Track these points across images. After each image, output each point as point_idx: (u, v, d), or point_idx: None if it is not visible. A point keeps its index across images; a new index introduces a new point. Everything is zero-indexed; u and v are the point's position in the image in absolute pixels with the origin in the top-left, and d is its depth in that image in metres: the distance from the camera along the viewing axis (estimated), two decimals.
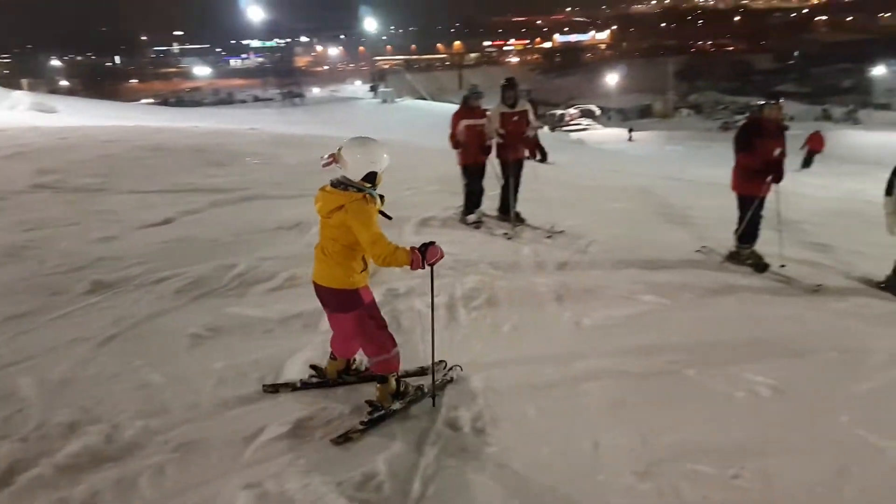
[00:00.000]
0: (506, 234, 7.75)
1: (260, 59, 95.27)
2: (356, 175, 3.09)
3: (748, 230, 6.64)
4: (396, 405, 3.47)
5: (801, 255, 7.07)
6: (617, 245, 7.32)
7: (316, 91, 64.20)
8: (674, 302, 5.48)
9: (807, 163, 21.59)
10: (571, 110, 50.01)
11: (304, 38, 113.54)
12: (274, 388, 3.73)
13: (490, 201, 8.50)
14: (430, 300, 3.83)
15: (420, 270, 3.18)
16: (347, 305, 3.27)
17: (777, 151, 6.41)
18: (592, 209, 9.47)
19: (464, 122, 7.85)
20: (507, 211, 8.17)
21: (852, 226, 8.85)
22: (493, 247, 7.25)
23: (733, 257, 6.77)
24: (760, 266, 6.53)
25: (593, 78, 73.51)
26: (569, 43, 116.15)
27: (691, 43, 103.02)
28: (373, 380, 3.52)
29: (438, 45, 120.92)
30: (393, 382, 3.49)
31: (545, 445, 3.33)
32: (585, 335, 4.78)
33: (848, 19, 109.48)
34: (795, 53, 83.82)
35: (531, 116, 8.12)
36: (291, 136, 17.34)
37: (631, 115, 57.42)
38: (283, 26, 74.15)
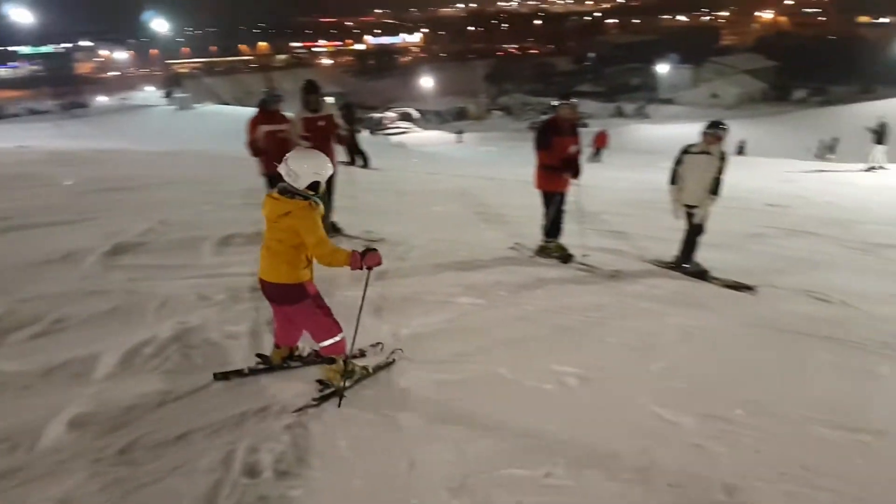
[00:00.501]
0: None
1: (33, 68, 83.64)
2: (302, 184, 3.51)
3: (553, 225, 7.17)
4: (347, 383, 3.85)
5: (601, 244, 7.79)
6: (436, 249, 7.45)
7: (102, 100, 57.86)
8: (488, 301, 5.70)
9: (595, 158, 24.23)
10: (390, 113, 50.88)
11: (85, 43, 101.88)
12: (224, 376, 4.07)
13: None
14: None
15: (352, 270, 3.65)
16: (295, 298, 3.70)
17: (573, 149, 6.97)
18: (413, 214, 9.60)
19: (263, 128, 7.44)
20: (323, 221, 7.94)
21: (645, 213, 10.03)
22: None
23: (542, 251, 7.27)
24: (566, 257, 7.09)
25: (409, 81, 75.59)
26: (381, 45, 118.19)
27: (498, 46, 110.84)
28: (316, 362, 4.04)
29: (242, 46, 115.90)
30: (341, 363, 3.86)
31: (357, 476, 3.19)
32: (404, 347, 4.73)
33: (634, 21, 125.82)
34: (590, 55, 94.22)
35: (338, 120, 7.96)
36: (68, 153, 15.36)
37: (448, 118, 60.10)
38: (59, 30, 65.64)
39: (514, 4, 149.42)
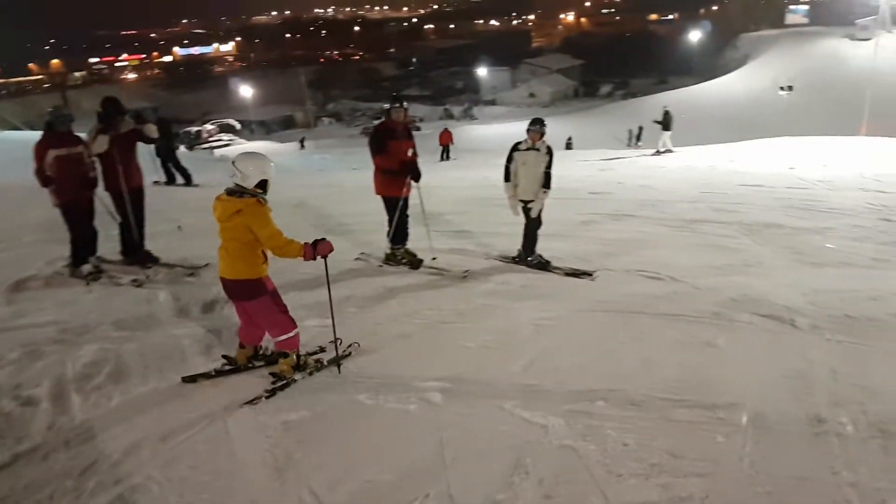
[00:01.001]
0: (135, 280, 6.60)
1: None
2: (250, 183, 3.73)
3: (398, 230, 6.94)
4: (297, 376, 4.15)
5: (449, 245, 7.73)
6: (273, 269, 6.86)
7: None
8: (338, 320, 5.28)
9: (444, 156, 25.03)
10: (209, 126, 47.97)
11: None
12: (192, 378, 4.21)
13: (110, 243, 7.17)
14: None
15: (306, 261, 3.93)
16: (254, 293, 3.88)
17: (409, 152, 6.81)
18: None
19: (52, 153, 6.39)
20: (133, 251, 7.01)
21: (484, 210, 10.20)
22: (118, 301, 6.07)
23: (390, 259, 7.02)
24: (415, 263, 6.91)
25: (227, 91, 71.87)
26: (191, 56, 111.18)
27: (319, 53, 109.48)
28: (275, 362, 4.22)
29: (31, 65, 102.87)
30: (293, 357, 4.12)
31: None
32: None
33: (451, 26, 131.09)
34: (413, 59, 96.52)
35: (151, 134, 7.10)
36: None
37: (274, 127, 58.09)
38: None
39: (331, 11, 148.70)
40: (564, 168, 16.22)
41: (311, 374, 4.24)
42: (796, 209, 10.71)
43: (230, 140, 45.11)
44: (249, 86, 66.39)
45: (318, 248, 3.91)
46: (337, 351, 4.42)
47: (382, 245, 7.14)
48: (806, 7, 64.94)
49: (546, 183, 6.82)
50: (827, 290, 6.39)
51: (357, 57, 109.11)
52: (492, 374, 4.32)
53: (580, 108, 56.88)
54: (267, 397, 3.94)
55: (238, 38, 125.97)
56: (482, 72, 70.28)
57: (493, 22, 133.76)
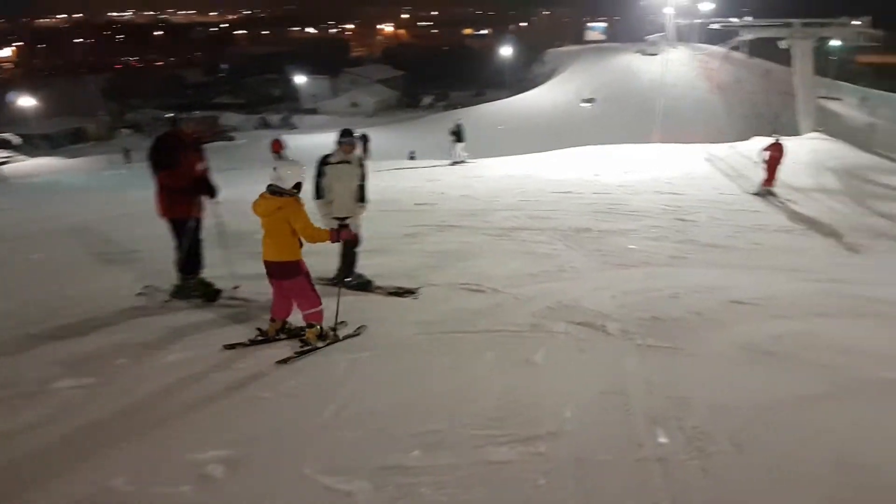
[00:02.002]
0: None
1: None
2: (288, 185, 4.60)
3: (190, 258, 6.07)
4: (320, 344, 4.91)
5: (256, 270, 6.94)
6: (26, 314, 5.66)
7: None
8: (102, 379, 4.35)
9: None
10: None
11: None
12: (232, 346, 4.88)
13: None
14: None
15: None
16: (293, 273, 4.76)
17: (201, 166, 6.03)
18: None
19: None
20: None
21: None
22: None
23: (180, 292, 6.10)
24: (211, 294, 6.07)
25: (2, 103, 62.36)
26: None
27: (115, 59, 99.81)
28: (298, 335, 4.96)
29: None
30: (318, 328, 4.90)
31: None
32: None
33: (264, 33, 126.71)
34: (224, 66, 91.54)
35: None
36: None
37: (62, 141, 51.58)
38: None
39: (129, 15, 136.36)
40: (390, 179, 16.08)
41: (329, 344, 4.95)
42: (602, 213, 11.48)
43: (8, 157, 39.24)
44: (31, 96, 58.04)
45: (341, 234, 5.17)
46: (336, 329, 5.19)
47: (171, 276, 6.20)
48: (603, 25, 72.38)
49: (361, 197, 6.42)
50: (633, 290, 6.71)
51: (160, 63, 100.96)
52: (291, 431, 3.73)
53: (404, 118, 57.62)
54: (297, 357, 4.71)
55: (18, 43, 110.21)
56: (301, 80, 68.52)
57: (309, 30, 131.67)
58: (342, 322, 5.29)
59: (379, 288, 6.59)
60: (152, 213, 6.02)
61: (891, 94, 49.01)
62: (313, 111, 65.29)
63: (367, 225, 6.71)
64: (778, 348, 5.10)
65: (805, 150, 18.74)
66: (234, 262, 6.40)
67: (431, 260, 7.87)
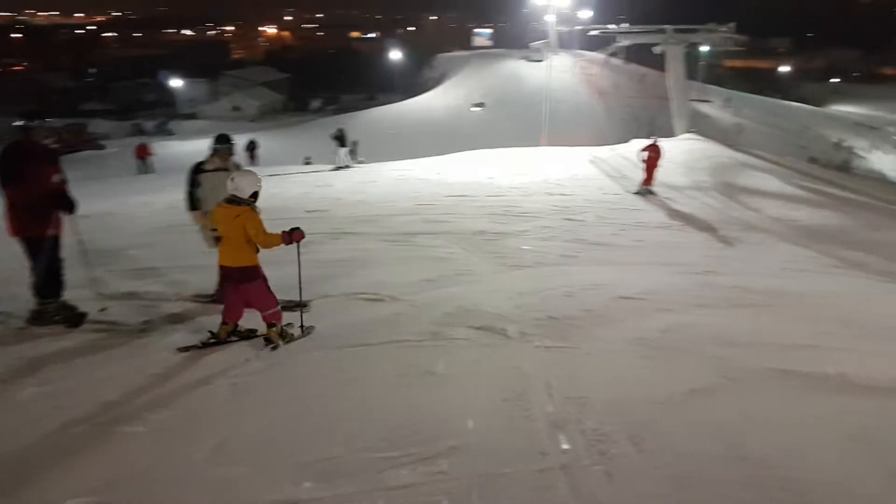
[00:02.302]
0: None
1: None
2: (246, 195, 4.83)
3: (49, 279, 5.45)
4: (282, 342, 5.11)
5: (126, 288, 6.43)
6: None
7: None
8: None
9: (142, 170, 24.13)
10: None
11: None
12: (186, 349, 4.97)
13: None
14: None
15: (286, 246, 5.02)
16: (253, 277, 4.96)
17: (56, 178, 5.44)
18: None
19: None
20: None
21: (178, 240, 8.86)
22: None
23: (38, 318, 5.45)
24: (74, 319, 5.47)
25: None
26: None
27: None
28: (248, 338, 5.22)
29: None
30: (279, 327, 5.14)
31: None
32: None
33: (136, 35, 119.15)
34: (92, 70, 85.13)
35: None
36: None
37: None
38: None
39: None
40: (279, 186, 15.50)
41: (289, 341, 5.15)
42: (497, 215, 11.68)
43: None
44: None
45: (293, 236, 5.00)
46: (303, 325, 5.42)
47: (28, 300, 5.55)
48: (489, 31, 74.14)
49: None
50: (529, 291, 6.83)
51: (20, 68, 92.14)
52: (167, 470, 3.37)
53: (291, 122, 56.19)
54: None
55: None
56: (177, 83, 65.00)
57: (186, 32, 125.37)
58: (289, 323, 5.39)
59: None
60: (2, 232, 5.36)
61: (752, 95, 54.07)
62: (192, 116, 62.12)
63: None
64: (666, 342, 5.34)
65: (680, 150, 20.08)
66: (101, 283, 5.86)
67: (325, 270, 7.57)
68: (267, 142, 31.74)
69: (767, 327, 6.00)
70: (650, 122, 29.95)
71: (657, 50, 25.10)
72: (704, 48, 34.51)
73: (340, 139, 21.02)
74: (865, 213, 14.17)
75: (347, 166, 20.61)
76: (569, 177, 17.01)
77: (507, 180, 16.01)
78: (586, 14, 47.91)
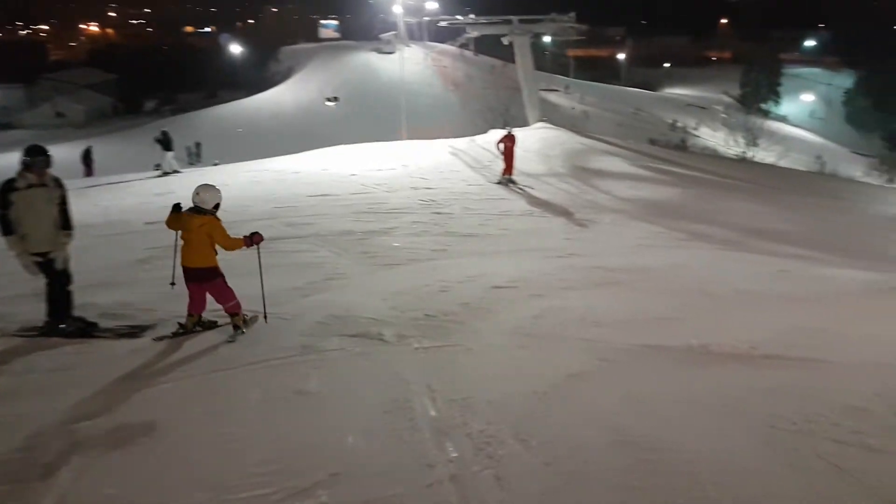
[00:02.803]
0: None
1: None
2: (209, 205, 5.42)
3: None
4: (246, 329, 5.67)
5: None
6: None
7: None
8: None
9: None
10: None
11: None
12: (160, 338, 5.50)
13: None
14: None
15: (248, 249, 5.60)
16: (213, 276, 5.52)
17: None
18: None
19: None
20: None
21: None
22: None
23: None
24: None
25: None
26: None
27: None
28: (211, 328, 5.81)
29: None
30: (241, 316, 5.67)
31: None
32: None
33: None
34: None
35: None
36: None
37: None
38: None
39: None
40: (114, 196, 14.20)
41: (249, 324, 5.70)
42: (363, 213, 11.46)
43: None
44: None
45: (253, 239, 5.55)
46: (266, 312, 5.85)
47: None
48: (335, 22, 72.77)
49: (66, 223, 5.42)
50: (404, 290, 6.72)
51: None
52: None
53: (123, 126, 51.83)
54: (230, 340, 5.47)
55: None
56: None
57: None
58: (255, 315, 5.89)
59: (107, 330, 5.63)
60: None
61: (597, 83, 57.94)
62: (7, 126, 55.37)
63: (89, 254, 5.76)
64: (540, 328, 5.46)
65: (534, 139, 20.91)
66: None
67: (177, 287, 6.96)
68: (100, 149, 28.93)
69: (630, 304, 6.35)
70: (505, 113, 31.01)
71: (506, 41, 25.90)
72: (548, 39, 36.22)
73: (164, 142, 19.26)
74: (703, 188, 15.62)
75: (176, 171, 19.16)
76: (432, 170, 17.12)
77: (369, 176, 15.78)
78: (433, 5, 48.68)
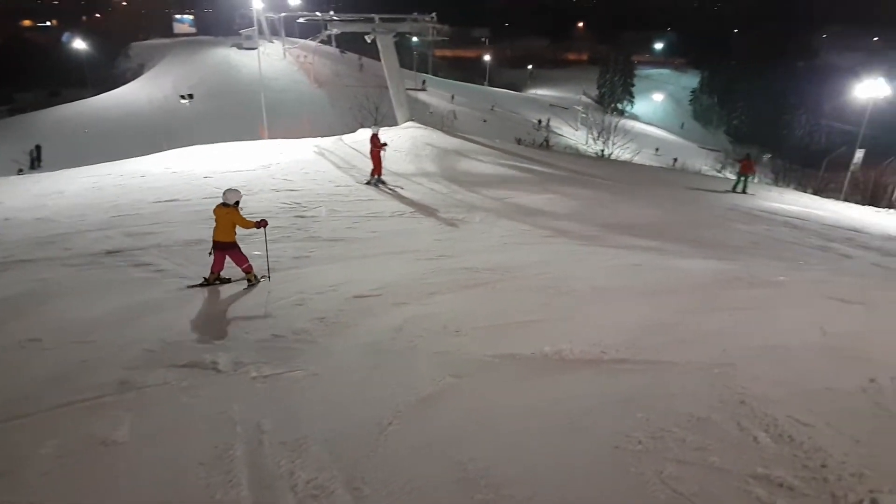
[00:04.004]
0: None
1: None
2: (231, 201, 7.34)
3: None
4: (255, 280, 7.34)
5: None
6: None
7: None
8: None
9: None
10: None
11: None
12: (192, 287, 6.87)
13: None
14: None
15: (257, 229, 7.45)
16: (233, 247, 7.35)
17: None
18: None
19: None
20: None
21: None
22: None
23: None
24: None
25: None
26: None
27: None
28: (228, 282, 7.41)
29: None
30: (252, 273, 7.41)
31: None
32: None
33: None
34: None
35: None
36: None
37: None
38: None
39: None
40: None
41: (259, 281, 7.42)
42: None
43: None
44: None
45: (260, 224, 7.55)
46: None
47: None
48: (191, 17, 68.42)
49: None
50: (253, 305, 6.25)
51: None
52: None
53: None
54: (247, 288, 7.21)
55: None
56: None
57: None
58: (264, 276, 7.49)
59: None
60: None
61: (462, 83, 58.78)
62: None
63: None
64: (398, 343, 5.11)
65: (404, 138, 20.59)
66: None
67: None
68: None
69: (493, 307, 6.16)
70: (374, 111, 30.50)
71: (368, 38, 25.46)
72: (414, 38, 36.09)
73: (34, 158, 17.22)
74: (566, 186, 16.02)
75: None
76: (296, 170, 16.29)
77: (225, 179, 14.69)
78: (295, 1, 47.11)
